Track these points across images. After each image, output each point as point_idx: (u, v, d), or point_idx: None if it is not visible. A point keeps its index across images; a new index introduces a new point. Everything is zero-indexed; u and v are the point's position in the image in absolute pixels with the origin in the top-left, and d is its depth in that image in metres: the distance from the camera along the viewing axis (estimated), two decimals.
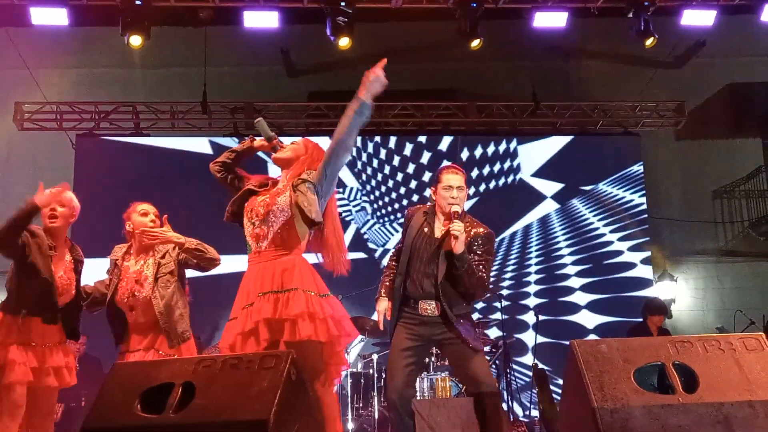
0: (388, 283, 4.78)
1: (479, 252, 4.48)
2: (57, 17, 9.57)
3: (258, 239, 3.89)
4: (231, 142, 11.46)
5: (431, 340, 4.54)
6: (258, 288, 3.79)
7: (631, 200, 11.59)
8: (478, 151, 11.69)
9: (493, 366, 9.02)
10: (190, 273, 4.96)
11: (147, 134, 11.53)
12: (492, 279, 11.19)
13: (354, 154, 11.59)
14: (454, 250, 4.31)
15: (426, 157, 11.66)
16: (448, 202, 4.55)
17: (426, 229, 4.63)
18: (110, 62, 11.91)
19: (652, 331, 8.39)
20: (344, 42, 9.88)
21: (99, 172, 11.19)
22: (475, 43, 10.14)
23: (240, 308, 3.83)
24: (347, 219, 11.35)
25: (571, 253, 11.49)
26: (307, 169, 4.01)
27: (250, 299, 3.79)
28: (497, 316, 9.13)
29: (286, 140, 12.07)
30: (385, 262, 11.33)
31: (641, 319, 8.76)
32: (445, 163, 11.60)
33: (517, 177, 11.70)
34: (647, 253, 11.46)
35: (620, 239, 11.49)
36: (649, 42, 9.98)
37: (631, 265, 11.40)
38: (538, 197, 11.63)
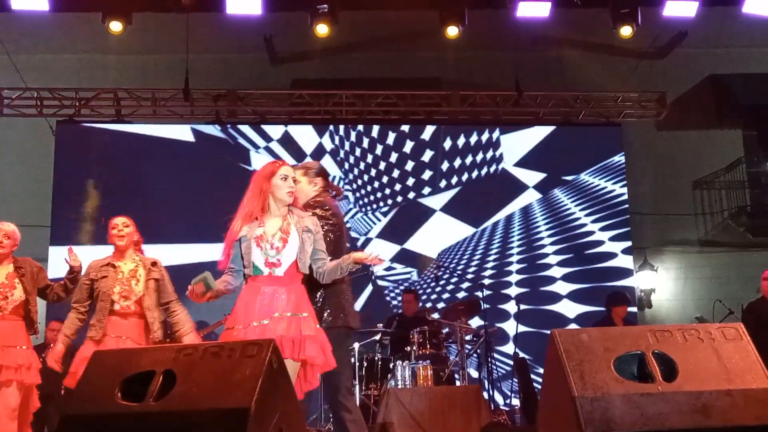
0: None
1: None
2: (37, 2, 9.49)
3: (272, 266, 4.17)
4: (213, 130, 11.41)
5: None
6: (273, 309, 4.06)
7: (613, 190, 11.64)
8: (461, 141, 11.70)
9: (475, 355, 9.07)
10: (177, 261, 5.08)
11: (128, 121, 11.43)
12: (474, 269, 11.32)
13: (336, 142, 11.58)
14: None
15: (409, 146, 11.65)
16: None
17: None
18: (91, 48, 11.80)
19: (617, 322, 8.17)
20: (323, 29, 9.85)
21: (80, 158, 11.13)
22: (453, 31, 10.13)
23: (247, 322, 4.05)
24: None
25: (552, 243, 11.53)
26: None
27: (263, 317, 4.05)
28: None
29: (268, 129, 11.86)
30: (367, 250, 11.35)
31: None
32: (428, 152, 11.63)
33: (500, 167, 11.71)
34: (628, 243, 11.51)
35: (601, 229, 11.54)
36: (627, 32, 10.02)
37: (611, 255, 11.46)
38: (521, 187, 11.66)
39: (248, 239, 4.19)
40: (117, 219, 5.59)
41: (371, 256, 4.26)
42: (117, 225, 5.53)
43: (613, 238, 11.49)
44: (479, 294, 9.30)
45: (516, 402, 9.30)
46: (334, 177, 11.49)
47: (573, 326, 10.70)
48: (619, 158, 11.72)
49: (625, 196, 11.63)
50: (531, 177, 11.68)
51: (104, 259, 5.54)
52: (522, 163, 11.70)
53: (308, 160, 11.40)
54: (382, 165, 11.62)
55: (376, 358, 8.42)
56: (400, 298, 10.22)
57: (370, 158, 11.62)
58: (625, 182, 11.66)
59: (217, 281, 4.16)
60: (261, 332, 3.99)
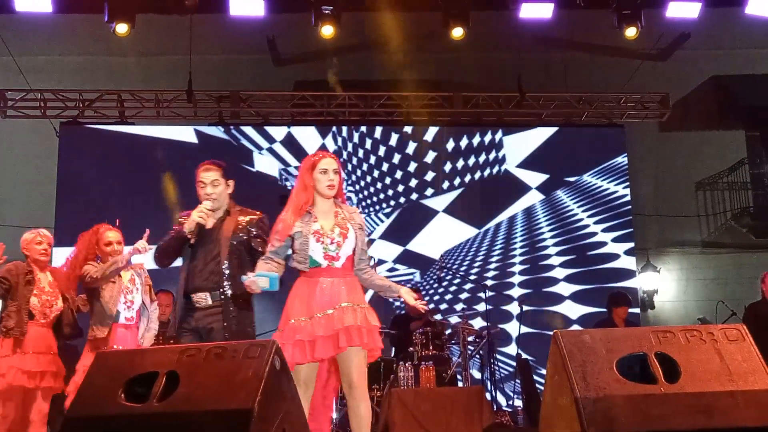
0: None
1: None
2: (41, 3, 9.51)
3: (332, 260, 4.25)
4: (216, 131, 11.43)
5: None
6: (335, 300, 4.15)
7: (615, 191, 11.63)
8: (464, 142, 11.70)
9: (477, 356, 9.07)
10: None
11: (132, 123, 11.45)
12: (477, 270, 11.32)
13: (339, 143, 11.59)
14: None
15: (411, 147, 11.66)
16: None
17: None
18: (94, 50, 11.81)
19: (618, 323, 8.13)
20: (328, 31, 9.86)
21: (83, 160, 11.14)
22: (458, 33, 10.14)
23: (311, 313, 4.10)
24: None
25: (555, 244, 11.53)
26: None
27: (326, 308, 4.12)
28: (482, 306, 9.16)
29: (271, 130, 11.83)
30: (371, 251, 11.38)
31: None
32: (431, 153, 11.62)
33: (503, 168, 11.71)
34: (630, 244, 11.51)
35: (604, 230, 11.54)
36: (632, 33, 10.02)
37: (614, 256, 11.45)
38: (523, 188, 11.66)
39: (304, 235, 4.22)
40: (111, 235, 5.47)
41: (417, 302, 4.50)
42: (112, 243, 5.43)
43: (615, 240, 11.49)
44: (482, 295, 9.30)
45: (518, 403, 9.29)
46: None
47: (575, 327, 10.71)
48: (621, 159, 11.71)
49: (628, 197, 11.63)
50: (533, 178, 11.68)
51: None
52: (525, 165, 11.70)
53: None
54: (385, 166, 11.63)
55: (379, 359, 8.41)
56: (403, 299, 10.20)
57: (372, 159, 11.62)
58: (627, 183, 11.66)
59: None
60: (328, 322, 4.06)
